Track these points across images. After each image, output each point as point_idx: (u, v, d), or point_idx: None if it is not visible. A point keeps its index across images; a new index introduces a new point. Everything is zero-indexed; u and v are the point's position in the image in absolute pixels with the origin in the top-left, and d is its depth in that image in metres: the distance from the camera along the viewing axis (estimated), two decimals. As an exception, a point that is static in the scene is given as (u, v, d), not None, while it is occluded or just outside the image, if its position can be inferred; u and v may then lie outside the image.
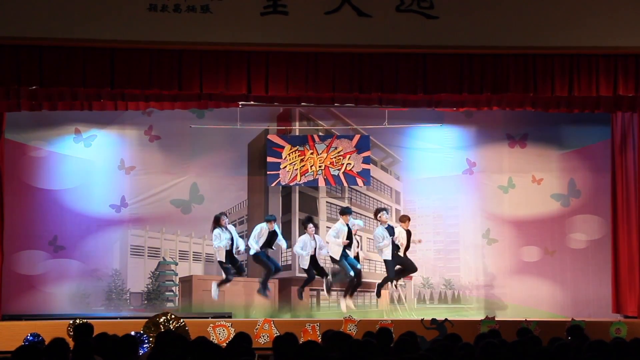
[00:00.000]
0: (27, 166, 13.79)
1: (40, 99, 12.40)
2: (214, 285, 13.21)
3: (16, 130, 13.60)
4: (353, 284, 13.35)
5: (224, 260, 13.10)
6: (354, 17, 11.33)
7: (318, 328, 11.87)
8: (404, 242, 13.31)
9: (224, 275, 13.22)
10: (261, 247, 13.19)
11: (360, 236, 13.83)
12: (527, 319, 12.09)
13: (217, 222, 13.09)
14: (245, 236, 13.62)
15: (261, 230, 13.25)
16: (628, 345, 6.67)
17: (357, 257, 13.43)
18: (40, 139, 13.87)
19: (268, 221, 13.37)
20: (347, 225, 13.24)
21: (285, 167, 13.90)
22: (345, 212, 13.41)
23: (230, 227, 13.28)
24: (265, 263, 13.25)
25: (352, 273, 13.11)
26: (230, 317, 13.06)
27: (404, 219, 13.54)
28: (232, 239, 13.12)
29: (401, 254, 13.29)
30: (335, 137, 14.09)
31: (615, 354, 6.44)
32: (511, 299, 14.13)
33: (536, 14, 11.50)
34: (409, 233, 13.40)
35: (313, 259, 13.33)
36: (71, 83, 11.46)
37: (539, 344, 6.93)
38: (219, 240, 12.99)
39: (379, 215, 13.38)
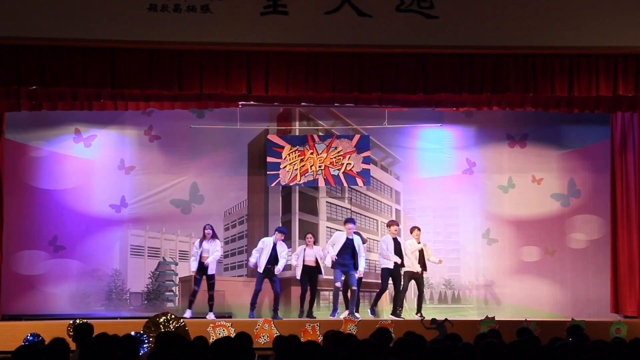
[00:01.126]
0: (27, 166, 13.79)
1: (40, 99, 12.41)
2: (187, 312, 12.75)
3: (16, 130, 13.60)
4: (355, 298, 13.19)
5: (196, 272, 12.92)
6: (354, 17, 11.34)
7: (318, 328, 11.86)
8: (416, 254, 13.22)
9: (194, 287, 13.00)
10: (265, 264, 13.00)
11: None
12: (527, 319, 12.07)
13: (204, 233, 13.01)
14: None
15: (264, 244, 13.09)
16: (628, 345, 6.67)
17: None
18: (40, 139, 13.87)
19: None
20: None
21: (285, 167, 13.89)
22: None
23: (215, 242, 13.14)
24: (256, 290, 13.01)
25: (354, 287, 13.05)
26: (230, 317, 13.06)
27: (413, 229, 13.48)
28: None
29: (416, 269, 13.21)
30: (335, 137, 14.09)
31: (615, 354, 6.43)
32: (511, 299, 14.13)
33: (536, 14, 11.51)
34: (421, 252, 13.32)
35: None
36: (71, 83, 11.47)
37: (539, 344, 6.92)
38: (195, 255, 12.87)
39: (390, 226, 13.36)
